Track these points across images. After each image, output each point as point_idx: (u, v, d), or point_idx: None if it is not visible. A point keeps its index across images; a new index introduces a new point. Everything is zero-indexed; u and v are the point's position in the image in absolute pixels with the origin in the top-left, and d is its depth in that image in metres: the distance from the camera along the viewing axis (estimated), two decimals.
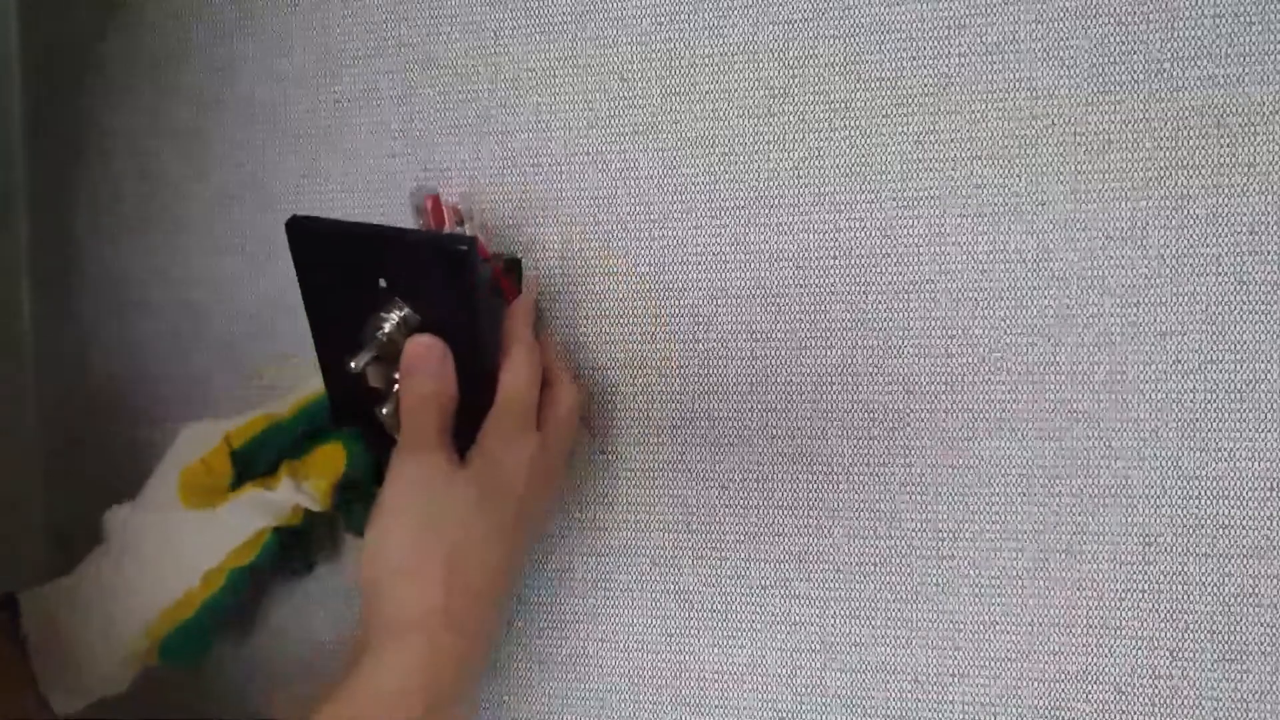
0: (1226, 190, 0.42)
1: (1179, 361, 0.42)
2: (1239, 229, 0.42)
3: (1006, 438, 0.44)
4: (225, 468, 0.45)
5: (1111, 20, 0.43)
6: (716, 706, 0.47)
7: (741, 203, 0.46)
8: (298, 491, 0.45)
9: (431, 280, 0.40)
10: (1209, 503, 0.42)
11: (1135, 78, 0.42)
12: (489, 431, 0.41)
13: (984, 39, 0.44)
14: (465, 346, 0.41)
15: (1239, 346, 0.42)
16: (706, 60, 0.46)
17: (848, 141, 0.45)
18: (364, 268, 0.40)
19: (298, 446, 0.47)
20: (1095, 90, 0.43)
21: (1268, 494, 0.42)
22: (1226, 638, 0.42)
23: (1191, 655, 0.42)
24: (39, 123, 0.54)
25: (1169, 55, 0.42)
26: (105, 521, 0.46)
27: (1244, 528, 0.42)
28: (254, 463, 0.46)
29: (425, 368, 0.41)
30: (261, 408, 0.46)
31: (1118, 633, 0.43)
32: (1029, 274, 0.43)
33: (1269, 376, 0.42)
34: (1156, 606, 0.43)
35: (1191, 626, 0.42)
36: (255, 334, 0.51)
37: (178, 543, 0.45)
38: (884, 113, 0.45)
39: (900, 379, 0.45)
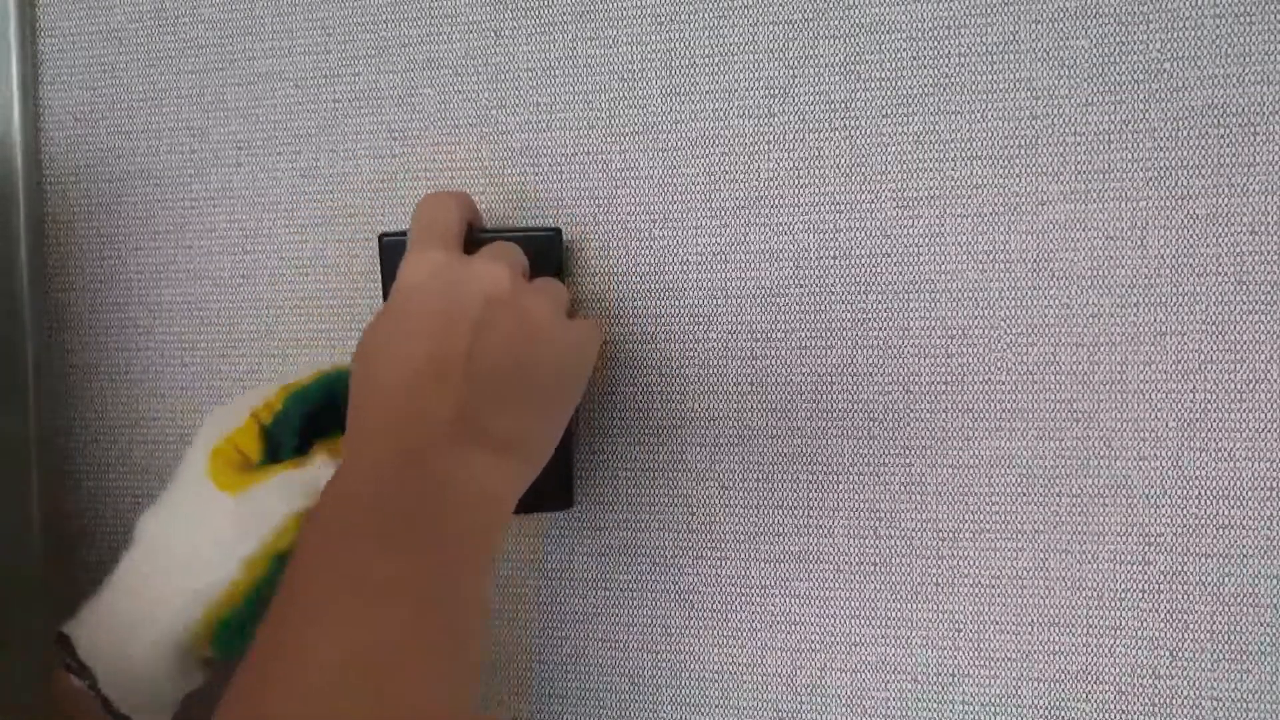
0: (1226, 190, 0.42)
1: (1179, 361, 0.42)
2: (1239, 229, 0.42)
3: (1006, 438, 0.44)
4: (255, 445, 0.43)
5: (1111, 20, 0.43)
6: (716, 706, 0.47)
7: (741, 203, 0.46)
8: (332, 467, 0.43)
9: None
10: (1209, 503, 0.42)
11: (1135, 78, 0.42)
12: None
13: (984, 39, 0.44)
14: None
15: (1239, 346, 0.42)
16: (706, 60, 0.46)
17: (848, 141, 0.45)
18: None
19: (328, 423, 0.44)
20: (1095, 90, 0.43)
21: (1267, 494, 0.42)
22: (1226, 638, 0.42)
23: (1191, 655, 0.42)
24: (38, 123, 0.54)
25: (1169, 55, 0.42)
26: (136, 527, 0.43)
27: (1244, 528, 0.42)
28: (283, 438, 0.44)
29: (443, 192, 0.41)
30: (278, 381, 0.45)
31: (1118, 633, 0.43)
32: (1029, 274, 0.43)
33: (1269, 376, 0.42)
34: (1156, 606, 0.43)
35: (1191, 626, 0.42)
36: (256, 334, 0.51)
37: (213, 529, 0.42)
38: (884, 113, 0.45)
39: (900, 379, 0.45)
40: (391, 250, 0.45)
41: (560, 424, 0.40)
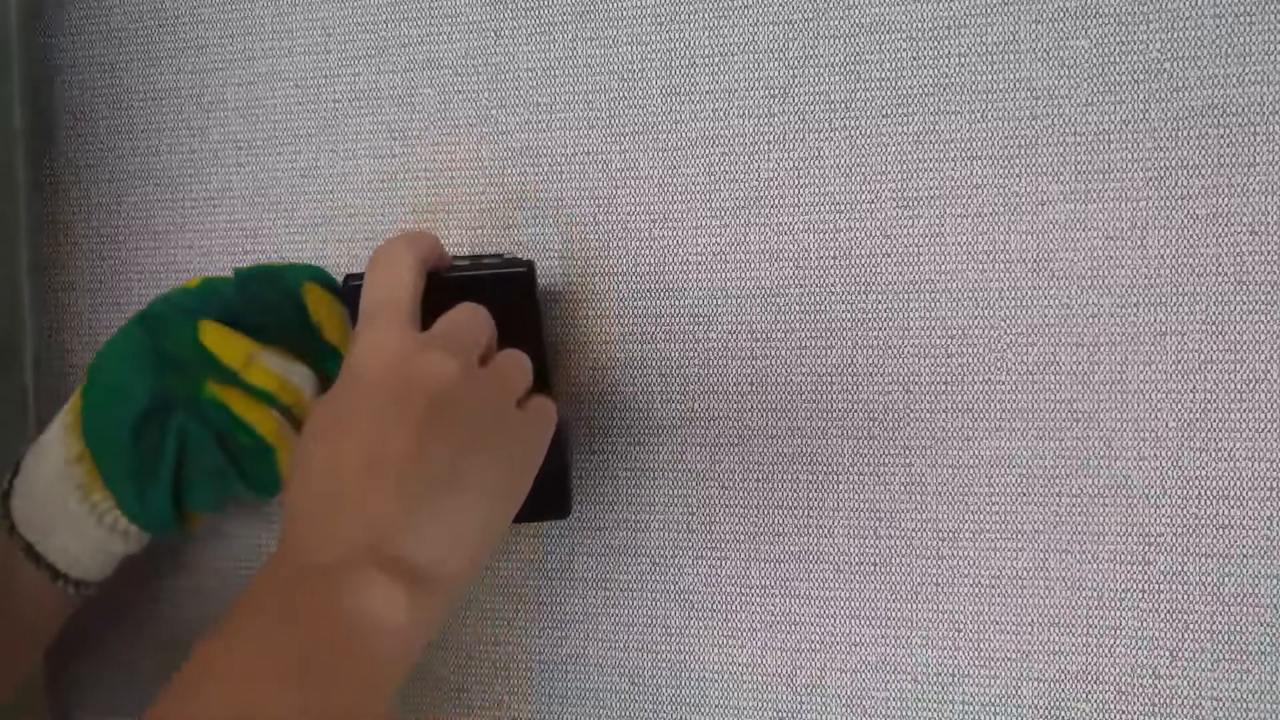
0: (1226, 190, 0.42)
1: (1179, 361, 0.42)
2: (1239, 229, 0.42)
3: (1006, 438, 0.44)
4: None
5: (1111, 20, 0.43)
6: (716, 706, 0.47)
7: (741, 203, 0.46)
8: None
9: (497, 308, 0.40)
10: (1209, 503, 0.42)
11: (1135, 78, 0.42)
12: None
13: (984, 39, 0.44)
14: (537, 375, 0.41)
15: (1239, 346, 0.42)
16: (706, 60, 0.46)
17: (848, 141, 0.45)
18: (422, 314, 0.40)
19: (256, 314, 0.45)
20: (1095, 90, 0.43)
21: (1267, 494, 0.42)
22: (1226, 638, 0.42)
23: (1191, 655, 0.42)
24: (38, 123, 0.54)
25: (1169, 55, 0.42)
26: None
27: (1244, 528, 0.42)
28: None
29: (399, 243, 0.39)
30: None
31: (1118, 633, 0.43)
32: (1029, 274, 0.43)
33: (1269, 376, 0.42)
34: (1156, 606, 0.43)
35: (1191, 626, 0.42)
36: None
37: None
38: (884, 113, 0.45)
39: (900, 379, 0.45)
40: (357, 294, 0.42)
41: (494, 537, 0.38)
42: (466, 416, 0.36)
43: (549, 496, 0.46)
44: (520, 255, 0.48)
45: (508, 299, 0.42)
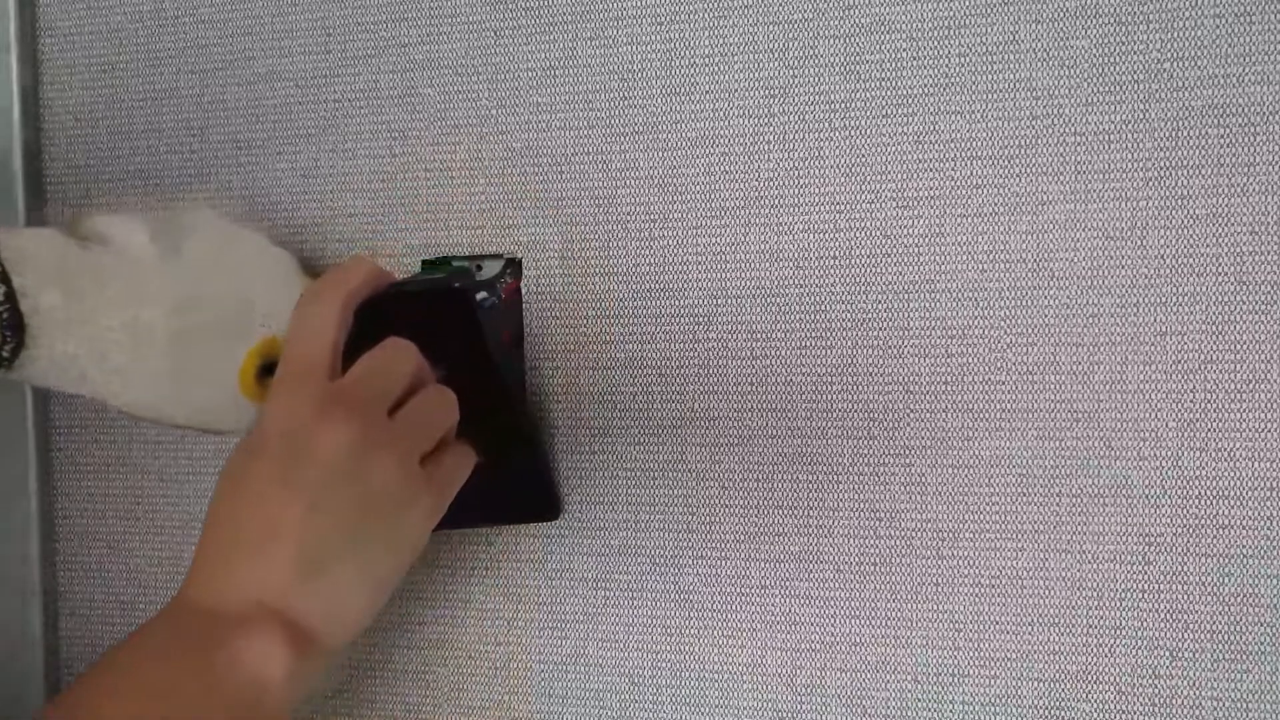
0: (1226, 190, 0.42)
1: (1179, 361, 0.42)
2: (1239, 229, 0.42)
3: (1006, 438, 0.44)
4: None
5: (1111, 20, 0.43)
6: (716, 706, 0.47)
7: (741, 203, 0.46)
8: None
9: (437, 328, 0.40)
10: (1209, 503, 0.42)
11: (1135, 78, 0.42)
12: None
13: (984, 39, 0.44)
14: (486, 392, 0.41)
15: (1239, 346, 0.42)
16: (706, 60, 0.46)
17: (848, 141, 0.45)
18: (370, 336, 0.39)
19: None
20: (1095, 90, 0.43)
21: (1267, 494, 0.42)
22: (1226, 638, 0.42)
23: (1191, 655, 0.42)
24: (38, 124, 0.54)
25: (1169, 55, 0.42)
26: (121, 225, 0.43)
27: (1244, 528, 0.42)
28: None
29: (325, 284, 0.39)
30: None
31: (1118, 633, 0.43)
32: (1029, 274, 0.43)
33: (1269, 376, 0.42)
34: (1156, 606, 0.43)
35: (1191, 626, 0.42)
36: None
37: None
38: (884, 113, 0.45)
39: (900, 379, 0.45)
40: None
41: (383, 597, 0.39)
42: (361, 486, 0.37)
43: (534, 501, 0.46)
44: (519, 255, 0.48)
45: (446, 317, 0.42)
